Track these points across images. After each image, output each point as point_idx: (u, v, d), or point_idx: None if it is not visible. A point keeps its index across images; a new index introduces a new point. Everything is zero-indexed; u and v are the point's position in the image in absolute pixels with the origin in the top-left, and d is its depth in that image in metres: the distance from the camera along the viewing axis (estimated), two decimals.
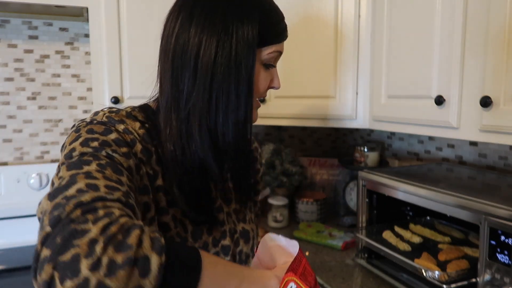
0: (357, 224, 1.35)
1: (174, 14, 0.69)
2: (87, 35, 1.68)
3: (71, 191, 0.50)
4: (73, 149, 0.59)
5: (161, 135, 0.68)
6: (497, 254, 0.88)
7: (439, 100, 1.05)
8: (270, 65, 0.71)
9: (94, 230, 0.44)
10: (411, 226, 1.32)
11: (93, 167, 0.54)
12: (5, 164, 1.63)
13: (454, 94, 1.03)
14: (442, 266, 1.06)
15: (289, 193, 1.89)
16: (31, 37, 1.62)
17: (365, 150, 1.69)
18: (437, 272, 1.01)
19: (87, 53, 1.70)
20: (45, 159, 1.69)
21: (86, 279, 0.41)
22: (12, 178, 1.57)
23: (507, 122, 0.89)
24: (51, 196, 0.52)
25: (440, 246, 1.18)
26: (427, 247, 1.19)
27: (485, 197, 0.95)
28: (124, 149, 0.60)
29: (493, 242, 0.89)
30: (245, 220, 0.81)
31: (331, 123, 1.47)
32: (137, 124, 0.67)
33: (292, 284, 0.58)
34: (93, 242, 0.43)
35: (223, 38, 0.64)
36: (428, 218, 1.39)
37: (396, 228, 1.30)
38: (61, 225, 0.46)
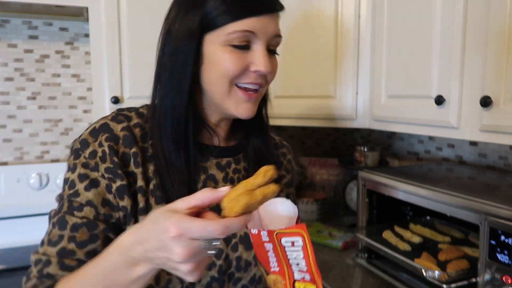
0: (357, 224, 1.35)
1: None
2: (87, 35, 1.68)
3: (31, 267, 0.64)
4: (65, 181, 0.67)
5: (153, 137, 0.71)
6: (497, 254, 0.88)
7: (439, 100, 1.05)
8: (244, 46, 0.65)
9: None
10: (411, 226, 1.32)
11: (49, 227, 0.66)
12: (5, 164, 1.63)
13: (454, 94, 1.03)
14: (442, 266, 1.06)
15: None
16: (31, 37, 1.62)
17: (365, 150, 1.69)
18: (437, 272, 1.01)
19: (87, 53, 1.70)
20: (45, 159, 1.69)
21: None
22: (12, 178, 1.57)
23: (507, 122, 0.89)
24: (35, 251, 0.65)
25: (440, 246, 1.18)
26: (427, 247, 1.19)
27: (485, 197, 0.95)
28: (85, 183, 0.65)
29: (493, 242, 0.89)
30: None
31: (331, 123, 1.47)
32: (119, 127, 0.69)
33: (300, 239, 0.52)
34: None
35: (171, 25, 0.70)
36: (428, 218, 1.39)
37: (396, 228, 1.30)
38: None
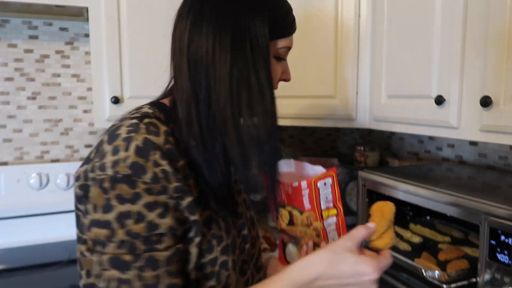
0: (357, 224, 1.35)
1: (183, 14, 0.69)
2: (87, 35, 1.68)
3: None
4: (108, 225, 0.58)
5: (182, 132, 0.66)
6: (497, 254, 0.88)
7: (439, 100, 1.05)
8: (281, 58, 0.73)
9: None
10: (411, 226, 1.32)
11: (133, 272, 0.57)
12: (5, 164, 1.63)
13: (454, 94, 1.03)
14: (442, 266, 1.06)
15: None
16: (31, 37, 1.62)
17: (365, 150, 1.69)
18: (437, 272, 1.01)
19: (87, 53, 1.70)
20: (45, 159, 1.69)
21: None
22: (12, 178, 1.57)
23: (507, 122, 0.89)
24: None
25: (440, 246, 1.18)
26: (427, 247, 1.19)
27: (485, 197, 0.95)
28: (157, 211, 0.59)
29: (493, 242, 0.89)
30: (250, 207, 0.85)
31: (331, 123, 1.47)
32: (161, 140, 0.62)
33: (329, 180, 0.73)
34: None
35: (237, 34, 0.65)
36: (428, 218, 1.39)
37: (396, 228, 1.30)
38: None
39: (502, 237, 0.87)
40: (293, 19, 0.73)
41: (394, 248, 1.18)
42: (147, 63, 1.45)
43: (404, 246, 1.19)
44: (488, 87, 0.94)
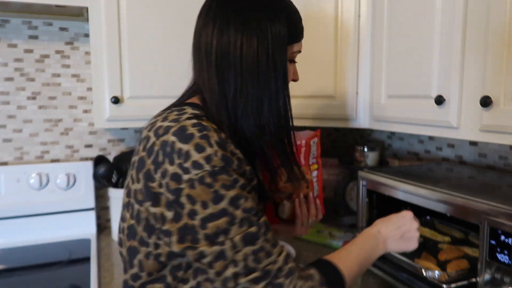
0: (357, 224, 1.35)
1: (208, 20, 0.75)
2: (87, 35, 1.68)
3: (268, 278, 0.68)
4: (225, 212, 0.65)
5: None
6: (497, 254, 0.88)
7: (439, 100, 1.05)
8: (292, 61, 0.83)
9: None
10: None
11: (261, 239, 0.68)
12: (5, 164, 1.63)
13: (454, 94, 1.03)
14: (442, 266, 1.06)
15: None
16: (31, 37, 1.62)
17: (365, 150, 1.69)
18: (437, 272, 1.01)
19: (87, 53, 1.70)
20: (45, 159, 1.69)
21: None
22: (12, 178, 1.57)
23: (507, 122, 0.89)
24: (253, 282, 0.67)
25: (440, 246, 1.18)
26: (427, 247, 1.19)
27: (485, 197, 0.95)
28: (248, 188, 0.70)
29: (493, 242, 0.89)
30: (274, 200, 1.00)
31: (331, 123, 1.47)
32: (223, 134, 0.70)
33: (316, 139, 0.94)
34: None
35: (261, 37, 0.72)
36: (428, 217, 1.39)
37: None
38: None
39: (502, 237, 0.87)
40: (303, 27, 0.83)
41: None
42: (147, 63, 1.45)
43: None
44: (488, 87, 0.94)
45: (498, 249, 0.88)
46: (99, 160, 1.67)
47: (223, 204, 0.65)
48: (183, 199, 0.65)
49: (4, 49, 1.59)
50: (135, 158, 0.74)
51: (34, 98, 1.65)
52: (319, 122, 1.49)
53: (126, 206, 0.74)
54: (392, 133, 1.79)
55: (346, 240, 1.52)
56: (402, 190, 1.15)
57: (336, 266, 0.76)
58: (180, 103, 0.80)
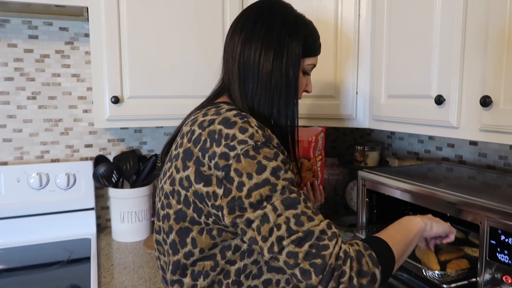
0: (357, 224, 1.35)
1: (237, 30, 0.88)
2: (87, 35, 1.68)
3: (312, 239, 0.70)
4: (268, 181, 0.72)
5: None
6: (497, 254, 0.89)
7: (439, 100, 1.05)
8: (306, 73, 0.93)
9: (347, 270, 0.69)
10: None
11: (302, 204, 0.73)
12: (5, 163, 1.63)
13: (454, 94, 1.03)
14: (442, 265, 1.06)
15: None
16: (31, 37, 1.62)
17: (365, 149, 1.69)
18: (437, 272, 1.01)
19: (87, 53, 1.70)
20: (45, 159, 1.69)
21: None
22: (12, 177, 1.57)
23: (507, 122, 0.89)
24: (295, 242, 0.70)
25: (440, 246, 1.18)
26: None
27: (485, 197, 0.95)
28: (288, 165, 0.77)
29: (493, 242, 0.89)
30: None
31: (331, 122, 1.47)
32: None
33: (322, 135, 1.08)
34: (350, 279, 0.69)
35: (278, 51, 0.84)
36: None
37: None
38: (328, 274, 0.68)
39: (502, 237, 0.87)
40: (320, 44, 0.94)
41: None
42: (147, 63, 1.45)
43: None
44: (488, 87, 0.94)
45: (498, 249, 0.88)
46: (99, 160, 1.67)
47: (266, 174, 0.72)
48: (232, 174, 0.72)
49: (4, 49, 1.59)
50: (178, 151, 0.81)
51: (34, 98, 1.65)
52: (319, 122, 1.49)
53: (171, 194, 0.81)
54: (392, 133, 1.79)
55: (346, 240, 1.52)
56: (402, 190, 1.15)
57: (378, 237, 0.79)
58: (210, 102, 0.91)
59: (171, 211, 0.81)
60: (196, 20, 1.48)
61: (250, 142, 0.73)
